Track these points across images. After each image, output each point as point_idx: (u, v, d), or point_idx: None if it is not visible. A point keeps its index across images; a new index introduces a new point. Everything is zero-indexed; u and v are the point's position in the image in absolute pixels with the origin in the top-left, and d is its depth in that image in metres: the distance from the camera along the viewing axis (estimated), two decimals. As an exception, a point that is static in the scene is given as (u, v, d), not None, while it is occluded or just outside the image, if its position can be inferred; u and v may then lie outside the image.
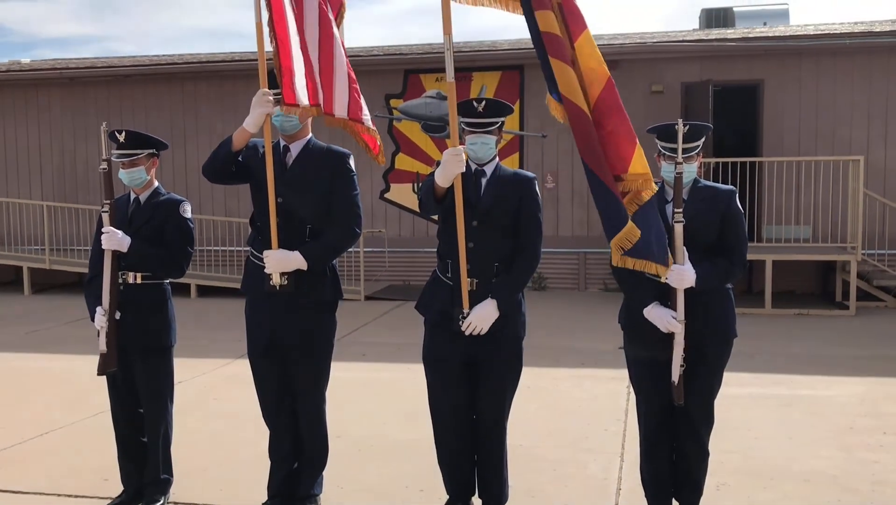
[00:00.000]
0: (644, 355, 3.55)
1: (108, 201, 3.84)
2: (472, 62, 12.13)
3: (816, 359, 7.47)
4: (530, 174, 3.67)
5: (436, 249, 3.72)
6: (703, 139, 3.54)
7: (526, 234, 3.57)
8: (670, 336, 3.40)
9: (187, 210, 4.00)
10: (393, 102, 12.64)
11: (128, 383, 3.96)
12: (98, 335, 3.84)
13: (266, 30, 3.73)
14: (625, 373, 3.82)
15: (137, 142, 3.90)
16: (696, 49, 11.79)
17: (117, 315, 3.82)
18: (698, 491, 3.64)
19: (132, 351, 3.89)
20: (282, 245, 3.69)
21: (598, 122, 3.37)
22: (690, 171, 3.47)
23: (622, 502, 4.16)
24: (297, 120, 3.77)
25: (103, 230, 3.82)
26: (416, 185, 12.51)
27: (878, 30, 11.39)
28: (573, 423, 5.51)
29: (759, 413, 5.68)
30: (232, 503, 4.17)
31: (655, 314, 3.42)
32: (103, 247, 3.80)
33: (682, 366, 3.40)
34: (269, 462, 3.94)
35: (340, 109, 3.87)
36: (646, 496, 3.70)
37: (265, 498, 3.91)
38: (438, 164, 3.45)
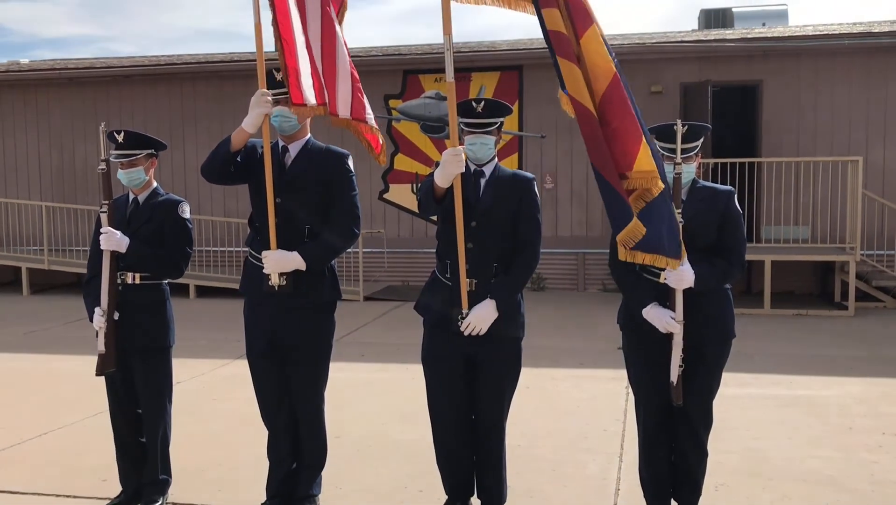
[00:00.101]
0: (643, 356, 3.55)
1: (107, 202, 3.84)
2: (470, 62, 12.13)
3: (815, 359, 7.47)
4: (529, 175, 3.67)
5: (435, 250, 3.72)
6: (701, 139, 3.54)
7: (525, 234, 3.57)
8: (669, 336, 3.40)
9: (186, 210, 4.00)
10: (392, 103, 12.64)
11: (126, 384, 3.95)
12: (96, 336, 3.84)
13: (269, 30, 3.73)
14: (624, 373, 3.82)
15: (136, 142, 3.89)
16: (694, 49, 11.80)
17: (116, 315, 3.82)
18: (697, 491, 3.64)
19: (131, 351, 3.88)
20: (281, 246, 3.69)
21: (603, 119, 3.34)
22: (689, 171, 3.48)
23: (621, 502, 4.16)
24: (296, 120, 3.76)
25: (102, 230, 3.81)
26: (414, 185, 12.51)
27: (876, 30, 11.40)
28: (572, 423, 5.52)
29: (757, 413, 5.69)
30: (231, 504, 4.16)
31: (654, 314, 3.42)
32: (102, 247, 3.80)
33: (680, 366, 3.40)
34: (267, 462, 3.94)
35: (344, 110, 3.87)
36: (644, 496, 3.70)
37: (264, 498, 3.91)
38: (438, 164, 3.45)
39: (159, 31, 52.96)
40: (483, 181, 3.59)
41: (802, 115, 11.50)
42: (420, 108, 12.53)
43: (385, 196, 12.72)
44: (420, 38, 38.50)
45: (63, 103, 13.70)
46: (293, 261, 3.68)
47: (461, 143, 3.55)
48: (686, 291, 3.38)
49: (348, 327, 9.02)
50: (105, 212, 3.83)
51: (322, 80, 3.82)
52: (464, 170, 3.44)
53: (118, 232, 3.81)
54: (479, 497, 3.74)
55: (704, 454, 3.61)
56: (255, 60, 3.80)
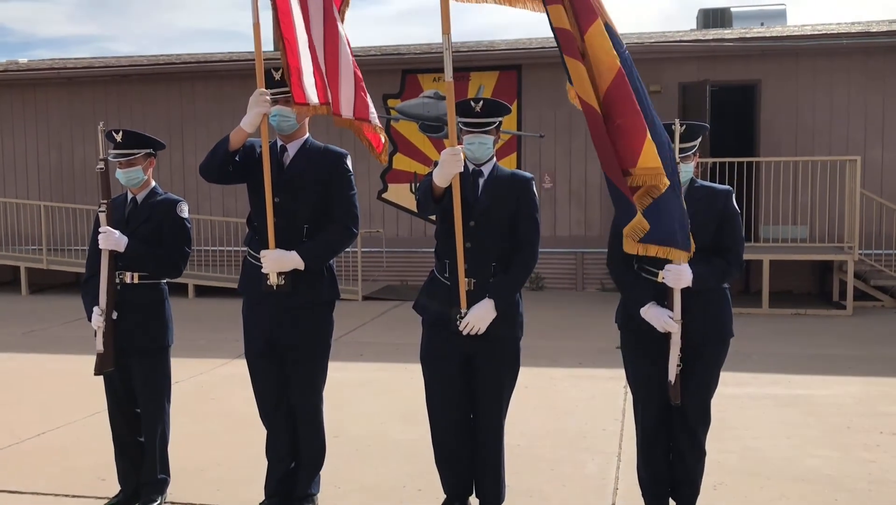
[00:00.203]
0: (641, 355, 3.56)
1: (105, 201, 3.84)
2: (469, 62, 12.13)
3: (813, 359, 7.48)
4: (528, 174, 3.67)
5: (433, 249, 3.72)
6: (699, 139, 3.55)
7: (523, 234, 3.57)
8: (667, 336, 3.41)
9: (184, 210, 3.99)
10: (391, 102, 12.65)
11: (125, 383, 3.95)
12: (95, 335, 3.84)
13: (268, 29, 3.72)
14: (622, 373, 3.82)
15: (135, 141, 3.89)
16: (693, 49, 11.80)
17: (114, 315, 3.82)
18: (695, 490, 3.64)
19: (129, 351, 3.88)
20: (279, 245, 3.69)
21: (607, 115, 3.33)
22: (687, 170, 3.48)
23: (619, 502, 4.16)
24: (295, 120, 3.76)
25: (100, 230, 3.81)
26: (413, 185, 12.51)
27: (874, 30, 11.41)
28: (571, 422, 5.52)
29: (756, 413, 5.69)
30: (229, 503, 4.16)
31: (652, 314, 3.42)
32: (100, 246, 3.80)
33: (678, 365, 3.40)
34: (266, 462, 3.94)
35: (347, 109, 3.86)
36: (643, 496, 3.70)
37: (262, 498, 3.91)
38: (436, 164, 3.46)
39: (158, 30, 52.97)
40: (481, 181, 3.59)
41: (801, 114, 11.51)
42: (419, 107, 12.53)
43: (384, 196, 12.72)
44: (419, 38, 38.47)
45: (62, 103, 13.69)
46: (292, 260, 3.68)
47: (460, 143, 3.55)
48: (684, 291, 3.38)
49: (347, 327, 9.02)
50: (104, 211, 3.83)
51: (325, 79, 3.81)
52: (462, 169, 3.44)
53: (117, 231, 3.80)
54: (477, 496, 3.74)
55: (703, 453, 3.61)
56: (253, 60, 3.80)
